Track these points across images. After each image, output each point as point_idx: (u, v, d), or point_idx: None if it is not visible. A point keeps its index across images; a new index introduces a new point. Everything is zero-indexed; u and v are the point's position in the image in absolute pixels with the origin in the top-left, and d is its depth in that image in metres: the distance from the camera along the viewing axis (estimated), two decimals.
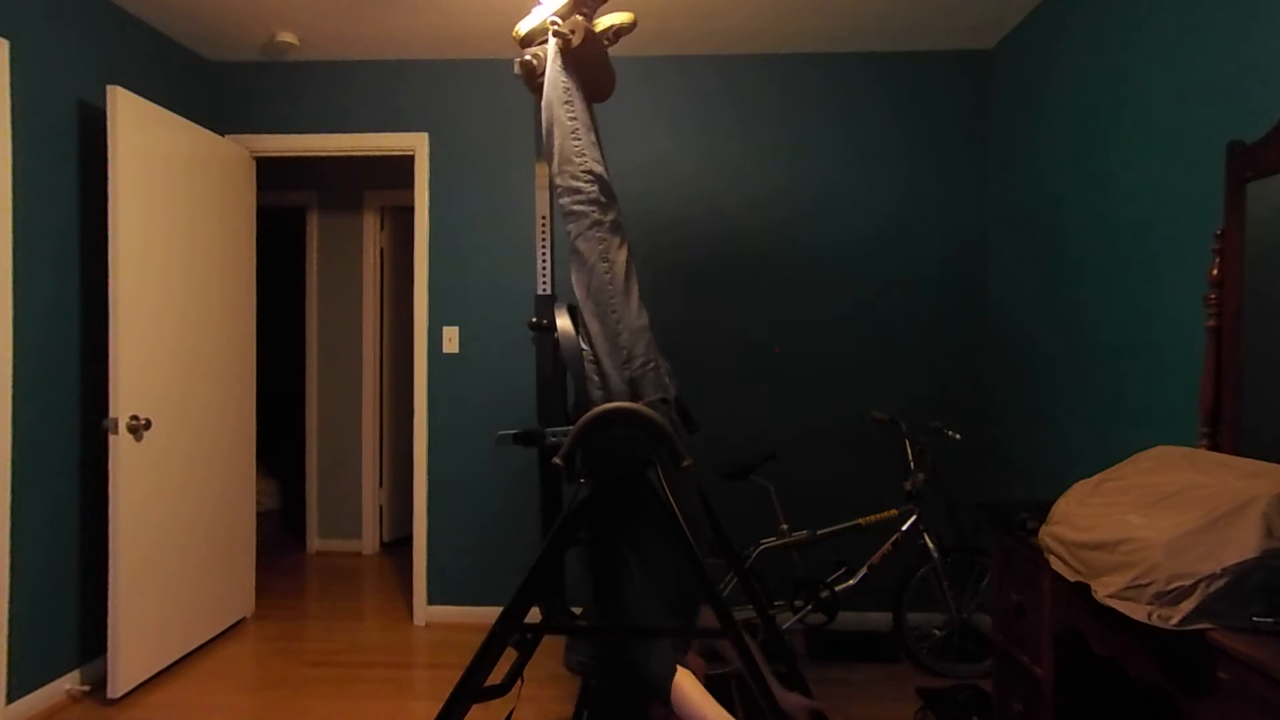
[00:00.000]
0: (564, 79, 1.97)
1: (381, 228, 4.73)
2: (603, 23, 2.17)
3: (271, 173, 4.04)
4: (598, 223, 1.92)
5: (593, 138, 2.00)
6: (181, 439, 3.08)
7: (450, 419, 3.56)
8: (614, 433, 1.75)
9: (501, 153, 3.54)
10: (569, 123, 1.94)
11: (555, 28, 1.97)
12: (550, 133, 1.97)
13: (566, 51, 1.97)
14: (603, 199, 1.94)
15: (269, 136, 3.61)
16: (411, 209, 3.64)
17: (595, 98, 2.14)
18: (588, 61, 2.04)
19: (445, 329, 3.56)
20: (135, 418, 2.79)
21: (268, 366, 4.12)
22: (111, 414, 2.74)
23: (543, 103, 2.01)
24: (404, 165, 3.72)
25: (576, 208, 1.92)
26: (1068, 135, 2.77)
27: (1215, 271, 1.89)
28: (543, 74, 2.03)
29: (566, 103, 1.95)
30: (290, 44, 3.35)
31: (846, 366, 3.45)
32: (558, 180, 1.96)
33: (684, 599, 2.00)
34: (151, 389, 2.90)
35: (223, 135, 3.52)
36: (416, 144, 3.56)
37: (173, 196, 3.04)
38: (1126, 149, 2.42)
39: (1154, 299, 2.27)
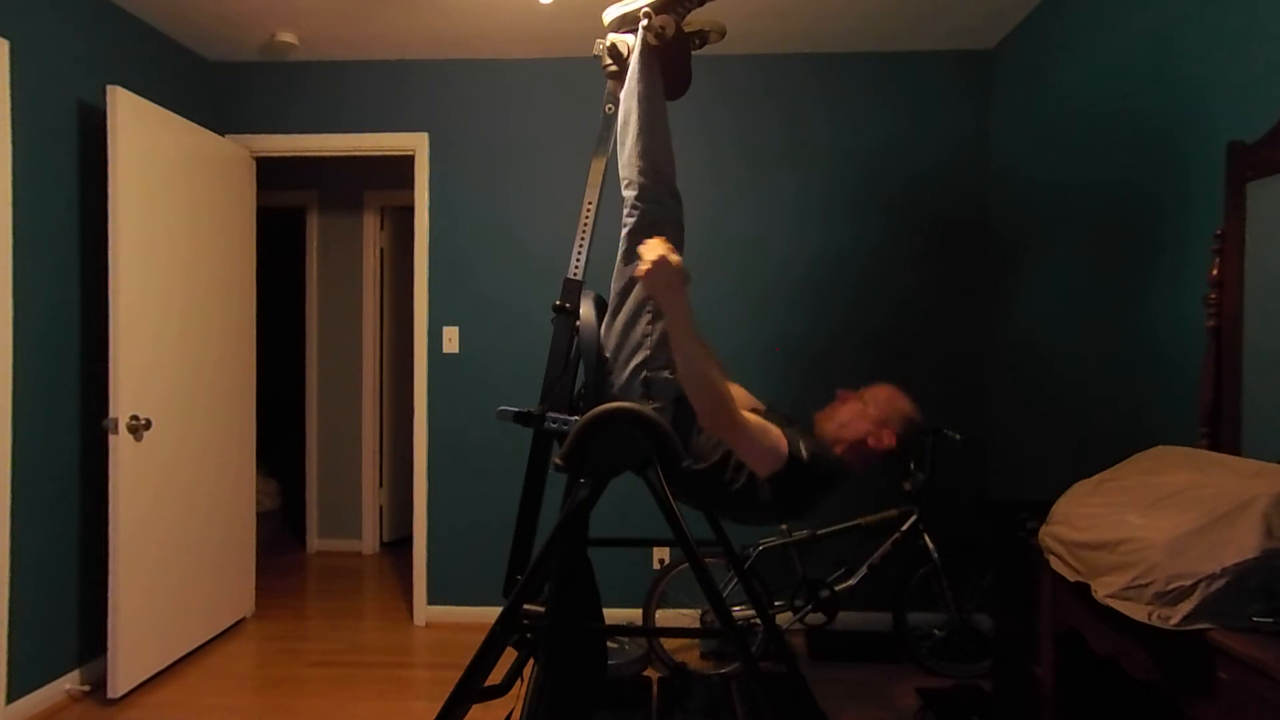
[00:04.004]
0: (648, 72, 1.92)
1: (381, 228, 4.73)
2: (693, 24, 2.12)
3: (271, 173, 4.04)
4: (654, 222, 1.87)
5: (666, 136, 1.95)
6: (182, 439, 3.08)
7: (450, 419, 3.56)
8: (614, 432, 1.74)
9: (501, 153, 3.54)
10: (645, 117, 1.89)
11: (648, 20, 1.92)
12: (625, 124, 1.93)
13: (656, 46, 1.93)
14: (664, 198, 1.91)
15: (269, 136, 3.60)
16: (411, 209, 3.64)
17: (668, 96, 2.08)
18: (671, 59, 2.01)
19: (445, 329, 3.56)
20: (135, 417, 2.80)
21: (268, 366, 4.11)
22: (111, 414, 2.74)
23: (622, 92, 1.97)
24: (404, 165, 3.72)
25: (638, 202, 1.89)
26: (1068, 135, 2.77)
27: (1215, 271, 1.89)
28: (624, 62, 1.99)
29: (647, 97, 1.90)
30: (290, 44, 3.35)
31: (847, 366, 3.45)
32: (624, 172, 1.93)
33: None
34: (151, 389, 2.90)
35: (223, 135, 3.52)
36: (416, 144, 3.56)
37: (173, 196, 3.04)
38: (1126, 149, 2.42)
39: (1154, 299, 2.27)
